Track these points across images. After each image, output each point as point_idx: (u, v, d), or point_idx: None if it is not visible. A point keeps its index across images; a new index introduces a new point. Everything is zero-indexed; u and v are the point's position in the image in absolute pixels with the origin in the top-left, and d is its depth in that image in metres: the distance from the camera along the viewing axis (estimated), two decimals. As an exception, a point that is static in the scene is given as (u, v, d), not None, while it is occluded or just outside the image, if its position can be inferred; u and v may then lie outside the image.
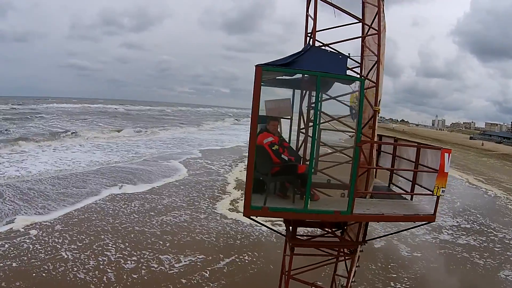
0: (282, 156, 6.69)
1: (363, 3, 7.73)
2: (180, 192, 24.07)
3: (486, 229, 21.98)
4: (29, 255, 14.52)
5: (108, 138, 47.20)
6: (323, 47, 7.27)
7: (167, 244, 16.47)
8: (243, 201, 6.74)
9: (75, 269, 13.84)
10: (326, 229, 8.14)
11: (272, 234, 16.90)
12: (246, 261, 15.27)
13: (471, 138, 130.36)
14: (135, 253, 15.42)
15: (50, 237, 16.24)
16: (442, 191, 6.77)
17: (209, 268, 14.48)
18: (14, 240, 15.59)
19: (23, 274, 13.21)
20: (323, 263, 8.70)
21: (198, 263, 14.81)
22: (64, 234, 16.59)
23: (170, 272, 14.23)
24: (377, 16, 7.46)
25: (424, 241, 19.08)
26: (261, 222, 7.66)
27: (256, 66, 6.05)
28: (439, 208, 24.31)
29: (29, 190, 21.84)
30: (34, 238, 15.92)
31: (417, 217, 7.12)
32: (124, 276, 13.64)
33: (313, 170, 7.77)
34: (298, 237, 8.39)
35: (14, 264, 13.77)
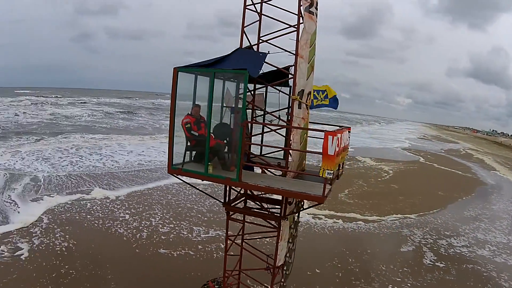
0: (192, 132, 8.39)
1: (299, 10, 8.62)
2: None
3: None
4: (90, 212, 18.77)
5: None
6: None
7: (205, 219, 18.91)
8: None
9: (119, 226, 17.34)
10: (258, 203, 9.50)
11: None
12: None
13: None
14: (174, 222, 18.27)
15: (111, 203, 20.26)
16: (328, 173, 6.87)
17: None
18: (81, 202, 20.03)
19: (77, 223, 17.36)
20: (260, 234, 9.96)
21: (222, 237, 16.59)
22: (124, 203, 20.45)
23: (194, 239, 16.63)
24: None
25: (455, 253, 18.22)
26: (187, 181, 9.27)
27: (174, 68, 7.91)
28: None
29: (107, 173, 26.20)
30: (99, 203, 20.06)
31: (303, 195, 7.36)
32: (154, 236, 16.54)
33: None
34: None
35: (77, 216, 18.04)
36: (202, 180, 8.58)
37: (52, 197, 20.20)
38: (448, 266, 16.49)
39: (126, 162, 30.23)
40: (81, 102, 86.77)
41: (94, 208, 19.18)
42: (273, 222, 9.09)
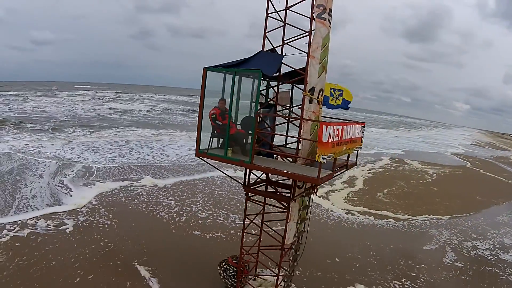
0: (216, 121, 9.84)
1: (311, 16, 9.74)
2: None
3: None
4: (136, 196, 20.71)
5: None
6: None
7: (243, 208, 19.75)
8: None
9: (161, 210, 19.13)
10: (273, 186, 10.80)
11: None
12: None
13: None
14: (213, 209, 19.84)
15: (157, 190, 22.12)
16: (323, 158, 7.87)
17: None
18: (129, 188, 22.08)
19: (122, 205, 19.29)
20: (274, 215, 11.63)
21: (254, 224, 17.64)
22: (169, 191, 22.28)
23: (228, 225, 18.09)
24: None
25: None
26: (214, 165, 10.84)
27: (204, 68, 9.33)
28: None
29: (155, 165, 28.05)
30: (146, 189, 22.05)
31: (301, 177, 8.55)
32: (192, 220, 18.14)
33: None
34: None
35: (123, 200, 20.04)
36: (222, 162, 9.94)
37: (104, 183, 22.25)
38: (466, 266, 16.76)
39: (176, 155, 32.00)
40: (141, 98, 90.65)
41: (140, 194, 21.12)
42: (284, 204, 10.30)
